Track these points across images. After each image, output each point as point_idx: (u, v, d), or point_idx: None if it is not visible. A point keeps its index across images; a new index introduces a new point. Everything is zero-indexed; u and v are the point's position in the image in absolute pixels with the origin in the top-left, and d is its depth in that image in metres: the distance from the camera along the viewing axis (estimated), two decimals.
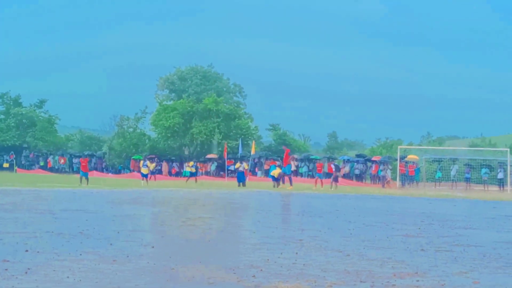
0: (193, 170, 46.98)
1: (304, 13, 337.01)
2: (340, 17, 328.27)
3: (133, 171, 61.19)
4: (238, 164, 44.26)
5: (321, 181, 42.49)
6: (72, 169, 66.22)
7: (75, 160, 66.97)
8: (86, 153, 64.85)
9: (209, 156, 63.17)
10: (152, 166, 47.78)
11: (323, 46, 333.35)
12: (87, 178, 39.71)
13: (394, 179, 51.93)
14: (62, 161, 67.82)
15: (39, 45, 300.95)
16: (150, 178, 50.51)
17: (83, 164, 41.02)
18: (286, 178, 39.88)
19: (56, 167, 67.64)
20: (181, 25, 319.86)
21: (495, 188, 50.83)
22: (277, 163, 43.31)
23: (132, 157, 65.49)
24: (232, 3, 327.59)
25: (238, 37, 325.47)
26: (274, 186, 38.80)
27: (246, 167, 43.70)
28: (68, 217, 16.94)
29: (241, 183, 41.54)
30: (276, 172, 40.05)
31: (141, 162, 47.94)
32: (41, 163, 69.24)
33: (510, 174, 48.64)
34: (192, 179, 45.21)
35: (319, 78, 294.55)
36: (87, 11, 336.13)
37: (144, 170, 44.83)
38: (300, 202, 27.06)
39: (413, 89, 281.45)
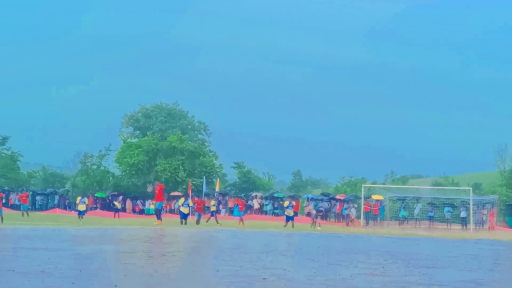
0: (214, 208, 46.14)
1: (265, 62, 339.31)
2: (295, 62, 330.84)
3: (92, 208, 60.71)
4: (181, 201, 41.98)
5: (241, 218, 42.32)
6: (35, 206, 65.53)
7: (37, 198, 66.34)
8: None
9: (173, 194, 62.85)
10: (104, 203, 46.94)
11: None
12: (1, 215, 37.57)
13: (359, 217, 52.12)
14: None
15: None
16: (117, 215, 49.67)
17: None
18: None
19: (17, 205, 66.78)
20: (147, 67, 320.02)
21: (458, 226, 51.29)
22: (287, 203, 43.18)
23: (96, 194, 64.99)
24: (201, 46, 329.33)
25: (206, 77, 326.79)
26: (285, 226, 40.14)
27: (191, 204, 42.68)
28: (29, 255, 16.69)
29: (183, 220, 39.95)
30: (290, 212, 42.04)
31: (79, 198, 46.02)
32: (3, 200, 68.28)
33: (473, 213, 49.12)
34: (213, 219, 43.48)
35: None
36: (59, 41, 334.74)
37: (81, 207, 43.71)
38: (264, 240, 26.97)
39: (375, 128, 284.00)
